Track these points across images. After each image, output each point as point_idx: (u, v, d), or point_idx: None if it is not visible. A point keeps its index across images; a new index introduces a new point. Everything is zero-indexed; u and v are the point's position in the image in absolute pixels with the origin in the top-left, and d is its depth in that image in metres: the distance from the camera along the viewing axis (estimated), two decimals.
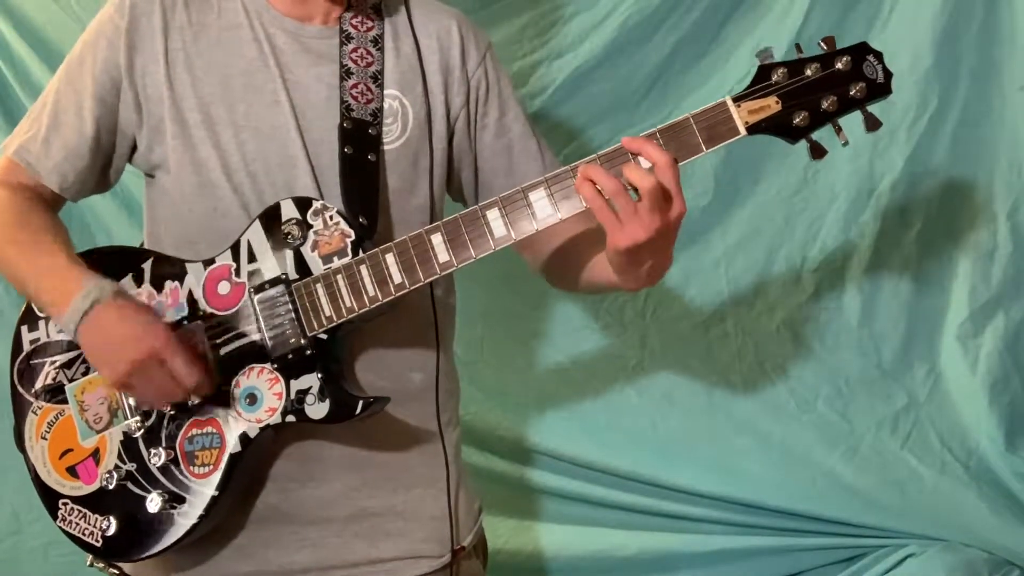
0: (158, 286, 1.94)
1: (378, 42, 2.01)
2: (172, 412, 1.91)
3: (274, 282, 1.87)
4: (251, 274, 1.89)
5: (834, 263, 3.12)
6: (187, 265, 1.93)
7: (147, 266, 1.96)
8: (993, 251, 3.06)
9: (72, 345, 1.98)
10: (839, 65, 1.75)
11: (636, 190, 1.71)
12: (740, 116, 1.75)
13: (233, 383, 1.88)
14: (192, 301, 1.92)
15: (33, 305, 2.03)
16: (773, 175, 3.10)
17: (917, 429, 3.11)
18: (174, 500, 1.89)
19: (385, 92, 1.99)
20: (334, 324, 1.85)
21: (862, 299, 3.13)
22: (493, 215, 1.82)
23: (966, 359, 3.09)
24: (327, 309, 1.85)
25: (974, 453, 3.08)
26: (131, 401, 1.93)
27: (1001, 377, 3.06)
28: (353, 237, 1.86)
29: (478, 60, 2.08)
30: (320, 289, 1.85)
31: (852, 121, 1.79)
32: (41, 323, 2.03)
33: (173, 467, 1.90)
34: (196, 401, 1.89)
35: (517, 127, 2.12)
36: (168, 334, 1.83)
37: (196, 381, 1.83)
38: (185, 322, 1.91)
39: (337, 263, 1.86)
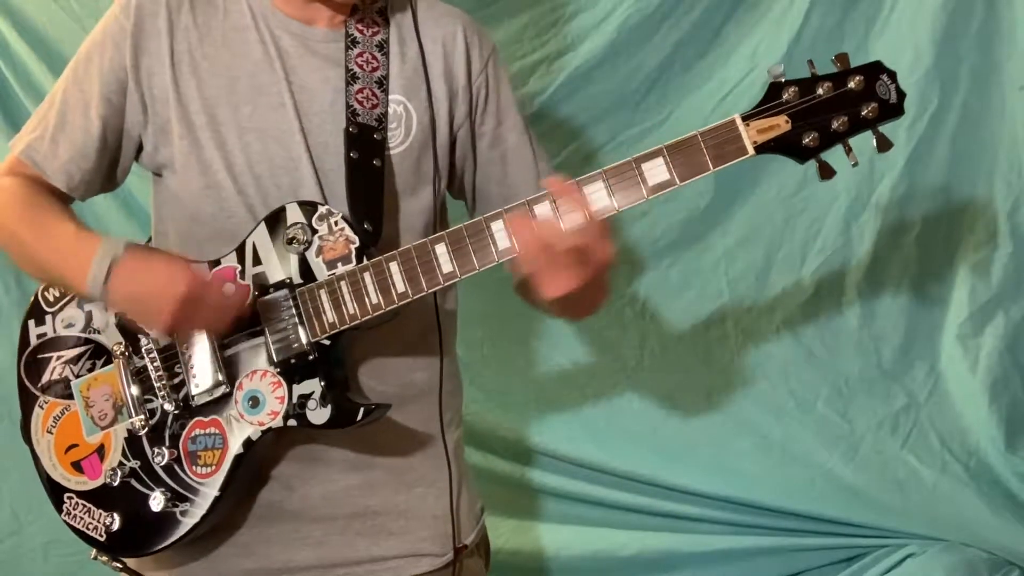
0: None
1: (383, 47, 2.01)
2: (176, 411, 1.91)
3: (278, 286, 1.87)
4: (255, 277, 1.89)
5: (834, 263, 3.13)
6: (192, 266, 1.92)
7: None
8: (993, 251, 3.07)
9: (78, 341, 2.00)
10: (852, 84, 1.72)
11: None
12: (748, 135, 1.73)
13: (236, 385, 1.89)
14: None
15: (53, 285, 2.04)
16: (773, 175, 3.11)
17: (917, 429, 3.12)
18: (177, 499, 1.89)
19: (390, 97, 1.99)
20: (337, 330, 1.85)
21: (862, 299, 3.14)
22: (498, 227, 1.81)
23: (966, 359, 3.10)
24: (330, 315, 1.85)
25: (974, 453, 3.09)
26: (135, 395, 1.94)
27: (1001, 377, 3.07)
28: (358, 243, 1.86)
29: (480, 67, 2.07)
30: (324, 295, 1.85)
31: (861, 139, 1.77)
32: (48, 318, 2.04)
33: (176, 466, 1.91)
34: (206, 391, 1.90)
35: (513, 137, 2.11)
36: (190, 268, 1.83)
37: (238, 298, 1.86)
38: None
39: (341, 269, 1.85)
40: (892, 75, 1.74)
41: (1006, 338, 3.07)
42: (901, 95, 1.74)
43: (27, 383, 2.04)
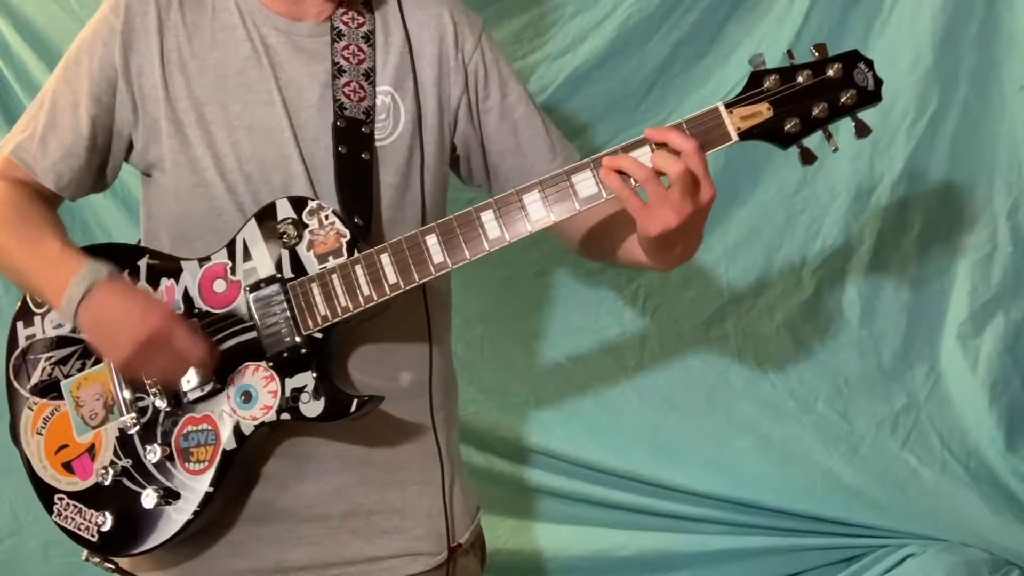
0: (154, 283, 1.95)
1: (369, 38, 2.01)
2: (168, 409, 1.92)
3: (269, 281, 1.88)
4: (246, 273, 1.90)
5: (834, 263, 3.12)
6: (183, 263, 1.93)
7: (143, 263, 1.96)
8: (993, 251, 3.06)
9: (68, 341, 2.00)
10: (830, 72, 1.77)
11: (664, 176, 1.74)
12: (732, 122, 1.78)
13: (228, 380, 1.89)
14: (188, 299, 1.93)
15: (30, 295, 2.04)
16: (773, 175, 3.10)
17: (917, 429, 3.11)
18: (169, 496, 1.89)
19: (377, 89, 1.99)
20: (329, 323, 1.86)
21: (862, 299, 3.13)
22: (487, 216, 1.83)
23: (966, 359, 3.09)
24: (322, 308, 1.85)
25: (974, 453, 3.08)
26: (126, 395, 1.94)
27: (1001, 377, 3.06)
28: (348, 237, 1.87)
29: (474, 44, 2.08)
30: (315, 288, 1.86)
31: (844, 128, 1.81)
32: (37, 319, 2.04)
33: (168, 463, 1.91)
34: (195, 389, 1.90)
35: (521, 107, 2.12)
36: (168, 311, 1.84)
37: (200, 356, 1.84)
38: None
39: (332, 263, 1.86)
40: (869, 63, 1.79)
41: (1006, 338, 3.06)
42: (878, 82, 1.79)
43: (16, 385, 2.04)
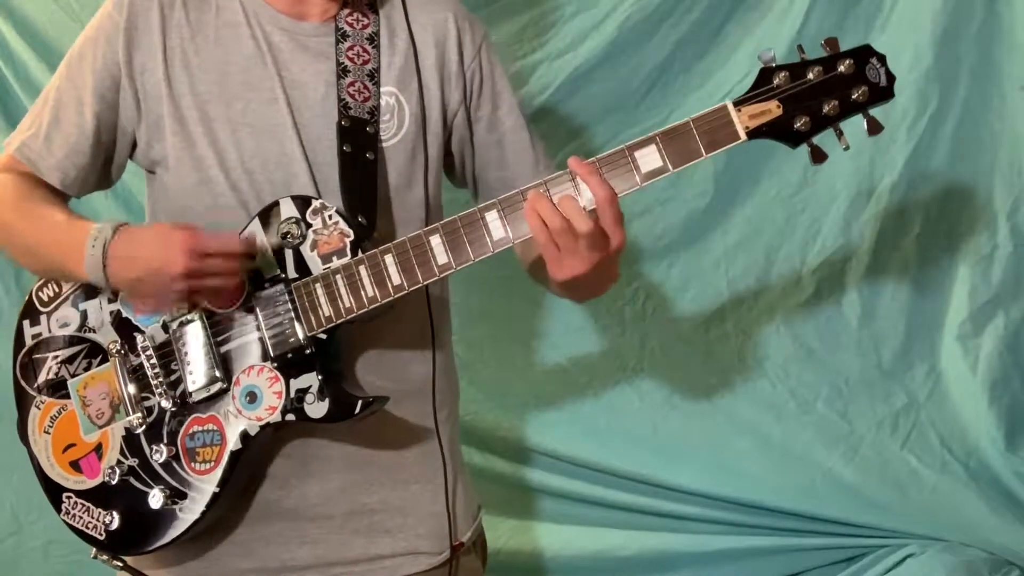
0: None
1: (374, 39, 2.02)
2: (174, 408, 1.92)
3: (273, 281, 1.88)
4: (250, 272, 1.89)
5: (834, 263, 3.12)
6: (183, 234, 1.91)
7: None
8: (993, 251, 3.05)
9: (74, 340, 2.00)
10: (841, 68, 1.73)
11: None
12: (741, 121, 1.74)
13: (233, 381, 1.89)
14: None
15: (51, 276, 2.04)
16: (773, 175, 3.10)
17: (917, 429, 3.11)
18: (176, 496, 1.90)
19: (382, 89, 1.99)
20: (333, 324, 1.85)
21: (862, 299, 3.13)
22: (492, 217, 1.82)
23: (966, 359, 3.09)
24: (326, 309, 1.85)
25: (974, 453, 3.08)
26: (131, 390, 1.94)
27: (1001, 377, 3.06)
28: (352, 237, 1.86)
29: (473, 52, 2.08)
30: (319, 289, 1.86)
31: (853, 124, 1.78)
32: (43, 318, 2.04)
33: (175, 463, 1.91)
34: (201, 389, 1.90)
35: (509, 120, 2.13)
36: (187, 234, 1.82)
37: (236, 267, 1.86)
38: (183, 319, 1.91)
39: (336, 263, 1.86)
40: (882, 58, 1.75)
41: (1006, 338, 3.06)
42: (891, 78, 1.75)
43: (23, 383, 2.05)
